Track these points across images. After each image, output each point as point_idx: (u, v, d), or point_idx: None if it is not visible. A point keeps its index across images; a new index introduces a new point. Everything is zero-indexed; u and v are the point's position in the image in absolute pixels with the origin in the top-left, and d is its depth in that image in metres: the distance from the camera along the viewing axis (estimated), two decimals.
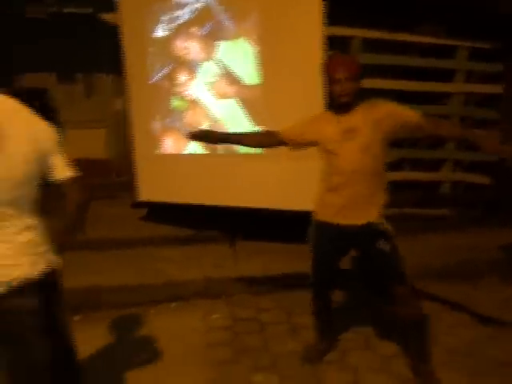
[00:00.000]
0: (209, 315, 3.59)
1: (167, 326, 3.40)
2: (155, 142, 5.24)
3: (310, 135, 2.59)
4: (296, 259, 4.26)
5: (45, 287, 1.88)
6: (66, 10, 6.72)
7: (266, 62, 4.50)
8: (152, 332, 3.35)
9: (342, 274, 2.94)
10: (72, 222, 2.02)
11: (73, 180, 1.95)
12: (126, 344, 3.26)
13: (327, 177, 2.60)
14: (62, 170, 1.92)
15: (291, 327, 3.33)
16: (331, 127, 2.51)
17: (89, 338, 3.18)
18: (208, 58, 4.86)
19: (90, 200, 2.03)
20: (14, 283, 1.78)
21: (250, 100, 4.65)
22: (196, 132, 2.72)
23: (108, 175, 7.74)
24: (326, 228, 2.62)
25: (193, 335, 3.30)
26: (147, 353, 3.13)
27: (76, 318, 3.63)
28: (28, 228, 1.85)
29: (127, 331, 3.43)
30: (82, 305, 3.73)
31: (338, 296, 3.44)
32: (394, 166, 6.00)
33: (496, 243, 4.44)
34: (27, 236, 1.84)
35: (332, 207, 2.57)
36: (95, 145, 7.76)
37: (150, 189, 5.34)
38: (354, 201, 2.51)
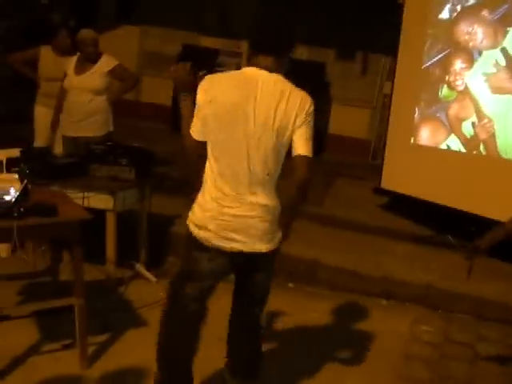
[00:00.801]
0: (419, 325, 3.28)
1: (371, 323, 3.23)
2: (413, 130, 4.94)
3: None
4: None
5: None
6: None
7: None
8: (353, 323, 3.23)
9: None
10: (295, 202, 2.06)
11: (305, 159, 1.94)
12: (320, 326, 3.22)
13: None
14: (301, 146, 1.93)
15: (509, 373, 2.80)
16: None
17: (290, 309, 3.27)
18: (493, 46, 4.31)
19: (311, 182, 2.00)
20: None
21: None
22: (482, 242, 2.40)
23: (364, 156, 7.70)
24: None
25: (394, 340, 3.07)
26: (337, 342, 3.03)
27: (290, 284, 3.75)
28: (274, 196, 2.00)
29: (328, 314, 3.38)
30: (297, 274, 3.83)
31: None
32: None
33: None
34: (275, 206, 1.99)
35: None
36: (358, 124, 7.78)
37: (397, 177, 5.09)
38: None
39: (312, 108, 1.95)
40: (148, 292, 3.32)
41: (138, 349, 2.64)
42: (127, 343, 2.75)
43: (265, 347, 2.37)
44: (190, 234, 1.99)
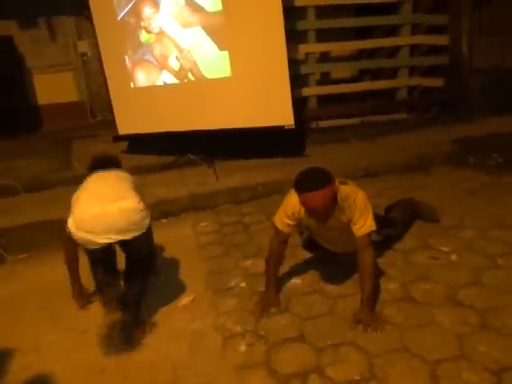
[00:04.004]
0: (198, 224, 4.04)
1: (163, 237, 3.83)
2: (128, 76, 5.47)
3: None
4: (272, 170, 4.71)
5: None
6: None
7: None
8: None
9: None
10: None
11: None
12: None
13: None
14: None
15: (271, 224, 3.78)
16: None
17: None
18: None
19: None
20: None
21: (213, 27, 4.87)
22: None
23: (83, 116, 7.93)
24: None
25: (186, 241, 3.75)
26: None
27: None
28: None
29: None
30: None
31: None
32: (355, 77, 6.37)
33: (449, 138, 4.92)
34: None
35: None
36: (66, 88, 7.88)
37: (129, 122, 5.62)
38: None
39: None
40: None
41: None
42: None
43: None
44: None
